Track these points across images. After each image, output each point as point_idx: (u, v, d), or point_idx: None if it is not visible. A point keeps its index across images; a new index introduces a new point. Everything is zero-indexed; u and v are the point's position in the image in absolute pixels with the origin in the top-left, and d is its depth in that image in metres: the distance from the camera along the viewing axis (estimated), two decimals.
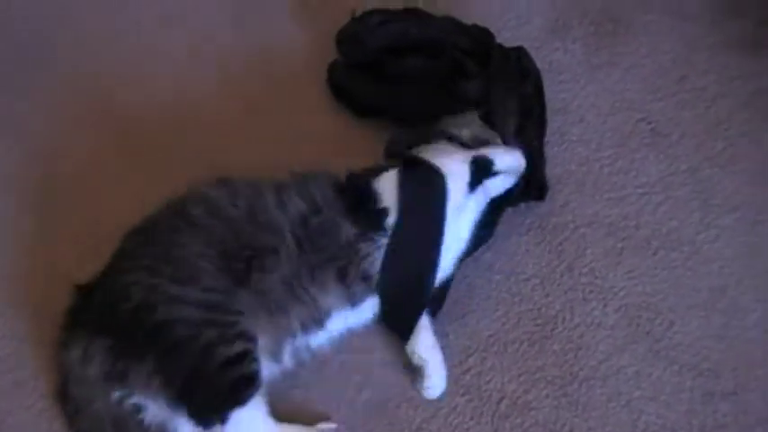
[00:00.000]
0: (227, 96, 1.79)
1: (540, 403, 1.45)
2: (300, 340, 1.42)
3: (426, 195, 1.44)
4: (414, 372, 1.47)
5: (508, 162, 1.49)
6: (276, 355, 1.41)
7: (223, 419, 1.31)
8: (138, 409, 1.33)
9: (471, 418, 1.44)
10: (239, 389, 1.32)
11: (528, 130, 1.58)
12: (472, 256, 1.54)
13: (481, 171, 1.46)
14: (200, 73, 1.83)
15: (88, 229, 1.61)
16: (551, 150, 1.67)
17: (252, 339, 1.34)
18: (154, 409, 1.33)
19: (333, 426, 1.42)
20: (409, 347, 1.46)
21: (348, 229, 1.41)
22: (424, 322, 1.46)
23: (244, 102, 1.79)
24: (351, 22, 1.71)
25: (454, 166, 1.45)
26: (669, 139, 1.73)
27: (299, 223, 1.40)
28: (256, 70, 1.82)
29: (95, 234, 1.56)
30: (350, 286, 1.41)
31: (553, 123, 1.70)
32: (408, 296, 1.44)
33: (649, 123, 1.75)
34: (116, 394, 1.33)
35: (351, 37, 1.70)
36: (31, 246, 1.61)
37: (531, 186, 1.57)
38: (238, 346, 1.32)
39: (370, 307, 1.46)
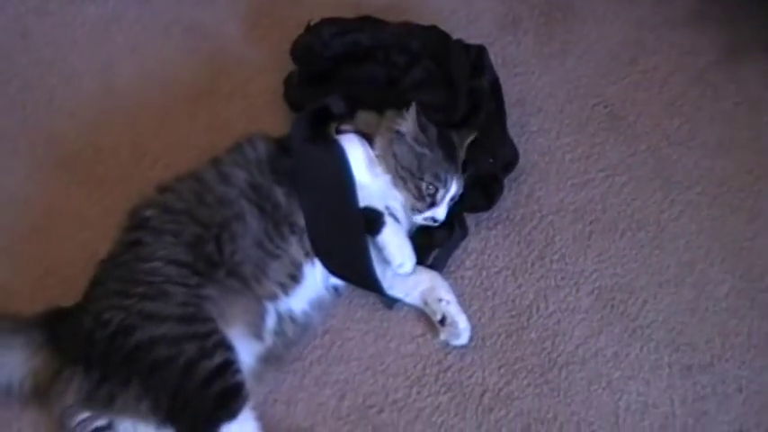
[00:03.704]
0: (185, 118, 1.79)
1: (522, 393, 1.46)
2: (282, 305, 1.45)
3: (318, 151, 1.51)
4: (440, 327, 1.50)
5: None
6: (258, 331, 1.42)
7: None
8: (107, 427, 1.34)
9: (455, 415, 1.45)
10: (226, 402, 1.31)
11: (474, 122, 1.59)
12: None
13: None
14: (156, 98, 1.82)
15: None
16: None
17: (230, 348, 1.35)
18: (126, 427, 1.34)
19: None
20: (431, 298, 1.50)
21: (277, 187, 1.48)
22: (433, 273, 1.53)
23: (202, 120, 1.78)
24: (304, 34, 1.72)
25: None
26: (626, 120, 1.76)
27: (248, 188, 1.47)
28: (214, 92, 1.82)
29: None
30: (301, 239, 1.47)
31: (512, 116, 1.72)
32: (338, 246, 1.48)
33: (606, 107, 1.78)
34: (80, 416, 1.33)
35: (305, 49, 1.71)
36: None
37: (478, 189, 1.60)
38: (219, 357, 1.32)
39: None
